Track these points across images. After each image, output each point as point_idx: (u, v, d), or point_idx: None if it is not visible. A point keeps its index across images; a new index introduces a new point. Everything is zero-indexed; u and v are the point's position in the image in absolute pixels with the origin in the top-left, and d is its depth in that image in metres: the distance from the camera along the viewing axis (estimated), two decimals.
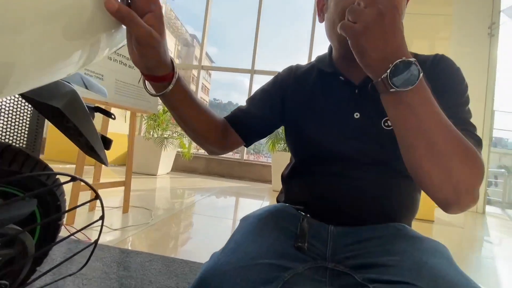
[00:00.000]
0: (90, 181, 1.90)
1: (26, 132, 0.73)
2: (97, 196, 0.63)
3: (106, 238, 1.34)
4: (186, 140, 4.02)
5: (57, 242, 0.61)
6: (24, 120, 0.77)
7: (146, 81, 0.46)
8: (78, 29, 0.30)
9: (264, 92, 0.67)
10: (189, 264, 1.08)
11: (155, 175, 3.80)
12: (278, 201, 0.69)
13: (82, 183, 0.64)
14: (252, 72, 4.80)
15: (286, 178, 0.67)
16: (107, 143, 0.74)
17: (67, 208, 0.67)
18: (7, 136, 0.72)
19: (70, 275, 0.66)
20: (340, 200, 0.55)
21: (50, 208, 0.62)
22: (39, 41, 0.27)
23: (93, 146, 0.63)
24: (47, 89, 0.47)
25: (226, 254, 0.45)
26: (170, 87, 0.46)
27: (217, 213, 2.21)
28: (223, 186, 3.56)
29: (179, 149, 4.22)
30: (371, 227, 0.52)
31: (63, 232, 1.24)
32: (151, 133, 3.87)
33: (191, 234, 1.61)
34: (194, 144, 4.48)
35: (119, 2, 0.33)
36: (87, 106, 0.64)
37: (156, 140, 3.66)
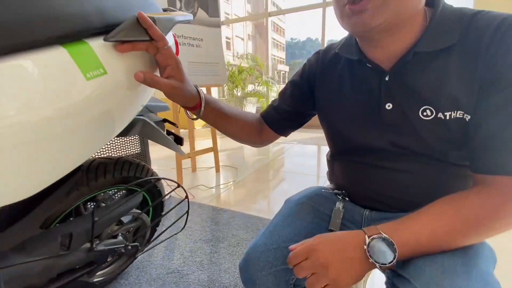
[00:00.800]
0: (187, 146, 2.36)
1: (138, 143, 1.07)
2: (178, 185, 0.86)
3: (204, 195, 1.74)
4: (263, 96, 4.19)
5: (163, 216, 0.90)
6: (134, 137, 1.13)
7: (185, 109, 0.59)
8: (133, 91, 0.51)
9: (294, 85, 0.68)
10: (263, 221, 1.31)
11: None
12: (327, 178, 0.74)
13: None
14: (324, 5, 4.22)
15: (329, 160, 0.71)
16: (179, 140, 0.95)
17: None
18: (125, 150, 1.08)
19: (176, 233, 0.97)
20: (375, 190, 0.56)
21: (154, 193, 0.90)
22: (122, 102, 0.50)
23: (170, 148, 0.84)
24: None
25: (265, 236, 0.56)
26: (202, 112, 0.57)
27: (297, 168, 2.38)
28: (303, 138, 3.66)
29: (258, 105, 4.46)
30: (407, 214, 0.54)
31: (174, 194, 1.66)
32: (233, 94, 4.22)
33: (269, 191, 1.86)
34: (271, 98, 4.62)
35: (144, 72, 0.45)
36: (156, 121, 0.83)
37: (236, 101, 3.98)
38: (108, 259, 0.76)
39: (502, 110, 0.39)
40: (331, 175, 0.69)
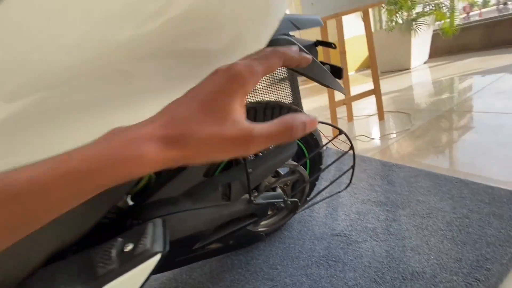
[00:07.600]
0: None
1: (289, 88, 0.95)
2: (340, 132, 0.64)
3: (366, 147, 1.44)
4: (445, 10, 2.93)
5: (323, 171, 0.73)
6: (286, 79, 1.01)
7: None
8: None
9: None
10: (470, 186, 0.87)
11: (409, 69, 3.30)
12: None
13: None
14: None
15: None
16: (337, 72, 0.70)
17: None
18: (279, 95, 0.99)
19: (339, 192, 0.80)
20: None
21: (311, 144, 0.74)
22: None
23: (324, 83, 0.63)
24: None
25: None
26: None
27: (506, 116, 1.51)
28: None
29: (436, 27, 3.22)
30: None
31: (332, 146, 1.48)
32: (394, 21, 3.26)
33: (467, 143, 1.25)
34: (458, 13, 3.17)
35: None
36: (307, 45, 0.62)
37: (402, 27, 3.04)
38: (269, 212, 0.71)
39: None
40: None
